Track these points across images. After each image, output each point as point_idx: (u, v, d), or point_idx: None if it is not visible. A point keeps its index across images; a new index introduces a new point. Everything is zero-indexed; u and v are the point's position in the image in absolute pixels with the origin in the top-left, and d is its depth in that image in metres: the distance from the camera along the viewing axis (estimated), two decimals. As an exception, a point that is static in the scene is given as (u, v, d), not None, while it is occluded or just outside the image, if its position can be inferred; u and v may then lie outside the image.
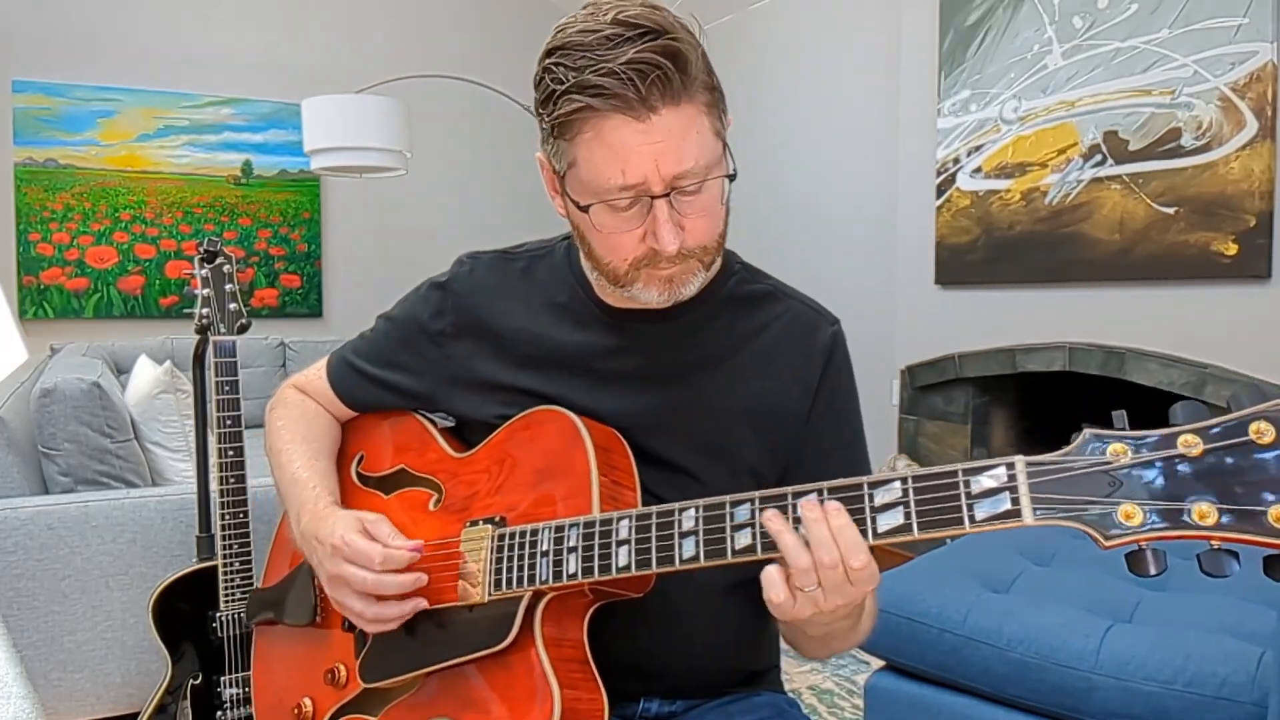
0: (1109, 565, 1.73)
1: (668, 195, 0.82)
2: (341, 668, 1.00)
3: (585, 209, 0.85)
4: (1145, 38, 2.69)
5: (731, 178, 0.86)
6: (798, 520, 0.72)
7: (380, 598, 0.90)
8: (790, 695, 1.07)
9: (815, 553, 0.70)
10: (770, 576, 0.73)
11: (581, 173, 0.84)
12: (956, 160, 3.31)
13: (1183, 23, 2.59)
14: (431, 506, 1.00)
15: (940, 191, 3.38)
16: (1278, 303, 2.43)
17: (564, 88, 0.80)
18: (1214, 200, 2.54)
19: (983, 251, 3.23)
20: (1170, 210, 2.65)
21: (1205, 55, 2.54)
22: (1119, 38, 2.76)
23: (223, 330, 1.64)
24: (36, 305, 4.49)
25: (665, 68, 0.78)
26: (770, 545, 0.73)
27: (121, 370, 3.73)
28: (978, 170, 3.23)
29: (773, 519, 0.73)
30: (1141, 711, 1.38)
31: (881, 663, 1.75)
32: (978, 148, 3.23)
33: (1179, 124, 2.62)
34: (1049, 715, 1.49)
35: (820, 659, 0.98)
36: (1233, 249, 2.50)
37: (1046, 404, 3.47)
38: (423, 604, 0.91)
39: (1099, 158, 2.83)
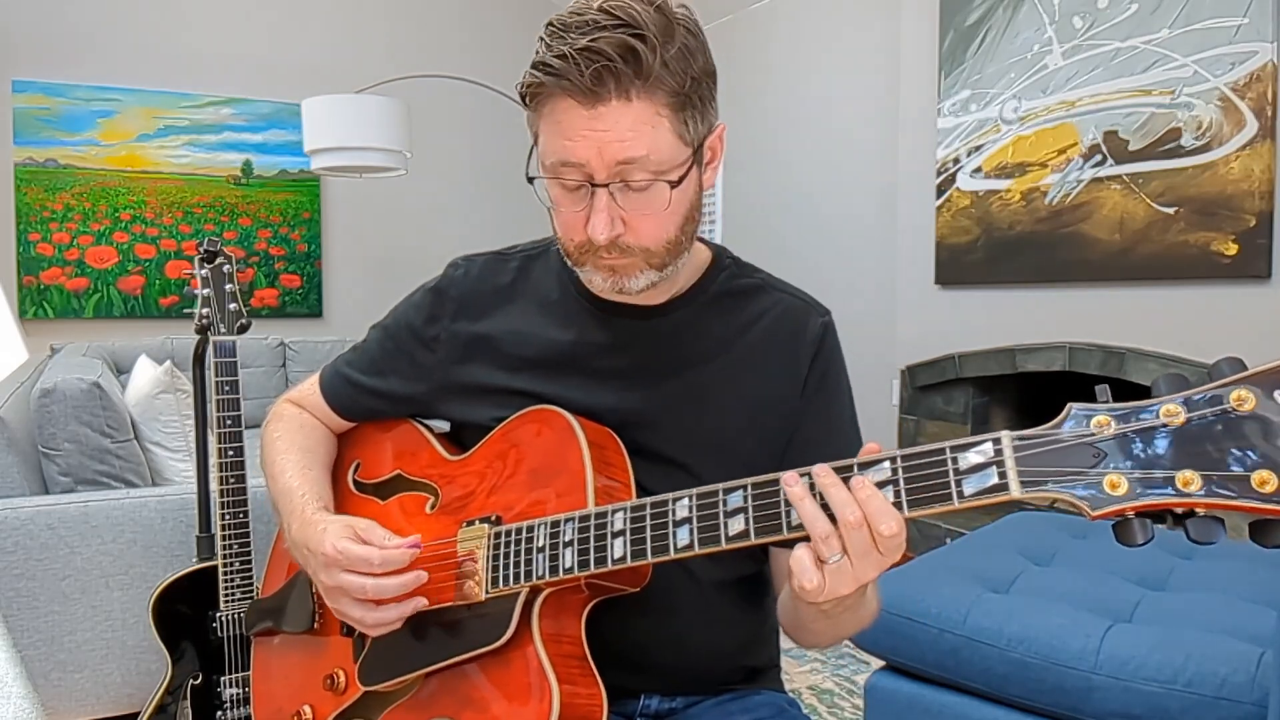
0: (1109, 565, 1.73)
1: (608, 186, 0.83)
2: (340, 673, 1.00)
3: (538, 179, 0.87)
4: (1145, 38, 2.69)
5: (673, 184, 0.85)
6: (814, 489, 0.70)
7: (380, 601, 0.90)
8: (790, 695, 1.07)
9: (838, 512, 0.68)
10: (801, 562, 0.70)
11: (541, 145, 0.87)
12: (956, 160, 3.31)
13: (1183, 23, 2.59)
14: (428, 509, 1.01)
15: (940, 191, 3.38)
16: (1278, 303, 2.43)
17: (534, 60, 0.83)
18: (1214, 200, 2.54)
19: (983, 251, 3.23)
20: (1170, 210, 2.65)
21: (1205, 55, 2.54)
22: (1119, 38, 2.76)
23: (223, 330, 1.64)
24: (36, 305, 4.49)
25: (614, 61, 0.79)
26: (763, 530, 0.73)
27: (121, 370, 3.72)
28: (978, 170, 3.23)
29: (792, 483, 0.71)
30: (1141, 711, 1.38)
31: (881, 663, 1.75)
32: (978, 148, 3.23)
33: (1179, 124, 2.62)
34: (1049, 715, 1.49)
35: (824, 647, 0.97)
36: (1233, 249, 2.50)
37: (1046, 404, 3.47)
38: (423, 603, 0.90)
39: (1099, 158, 2.83)
